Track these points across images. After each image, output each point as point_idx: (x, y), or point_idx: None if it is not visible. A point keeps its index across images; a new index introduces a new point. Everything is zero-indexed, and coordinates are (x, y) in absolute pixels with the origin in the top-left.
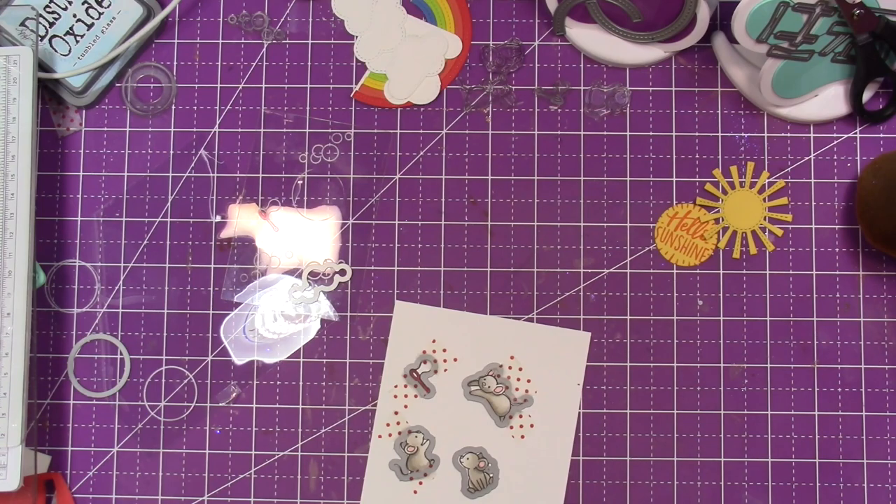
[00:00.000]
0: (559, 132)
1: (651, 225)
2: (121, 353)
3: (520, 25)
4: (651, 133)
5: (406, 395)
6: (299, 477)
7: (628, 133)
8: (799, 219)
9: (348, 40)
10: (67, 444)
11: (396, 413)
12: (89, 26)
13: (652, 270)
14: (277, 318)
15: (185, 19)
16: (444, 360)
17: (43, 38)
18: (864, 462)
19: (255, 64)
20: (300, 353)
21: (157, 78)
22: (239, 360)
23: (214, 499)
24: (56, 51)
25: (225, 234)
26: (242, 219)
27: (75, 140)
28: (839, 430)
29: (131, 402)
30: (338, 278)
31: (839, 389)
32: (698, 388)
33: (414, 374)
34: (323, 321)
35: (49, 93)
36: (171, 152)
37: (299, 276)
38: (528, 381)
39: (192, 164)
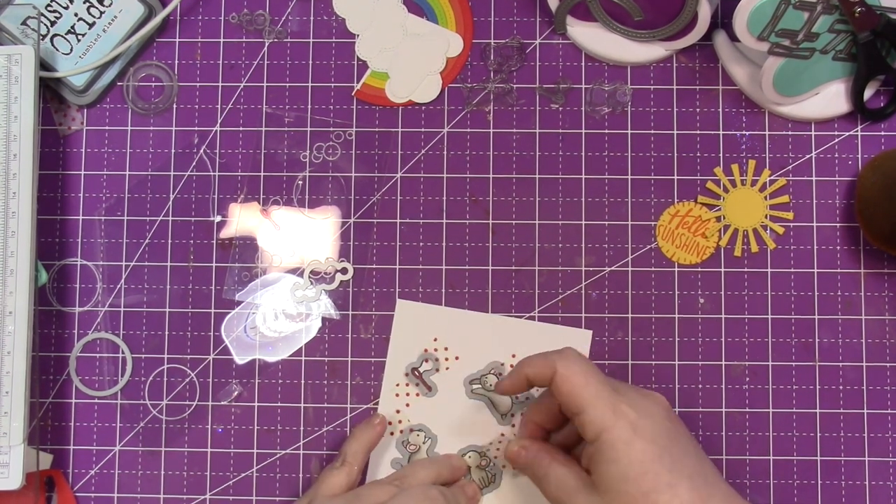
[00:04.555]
0: (560, 130)
1: (652, 223)
2: (122, 352)
3: (521, 24)
4: (652, 131)
5: (408, 394)
6: (301, 475)
7: (629, 131)
8: (800, 217)
9: (349, 39)
10: (69, 442)
11: (398, 412)
12: (91, 25)
13: (653, 268)
14: (279, 316)
15: (187, 18)
16: (446, 359)
17: (44, 37)
18: (866, 460)
19: (256, 63)
20: (302, 351)
21: (159, 77)
22: (240, 359)
23: (216, 497)
24: (57, 50)
25: (226, 232)
26: (244, 217)
27: (77, 139)
28: (841, 427)
29: (133, 400)
30: (339, 277)
31: (840, 387)
32: (700, 386)
33: (415, 372)
34: (324, 319)
35: (50, 92)
36: (173, 151)
37: (301, 274)
38: None
39: (194, 163)
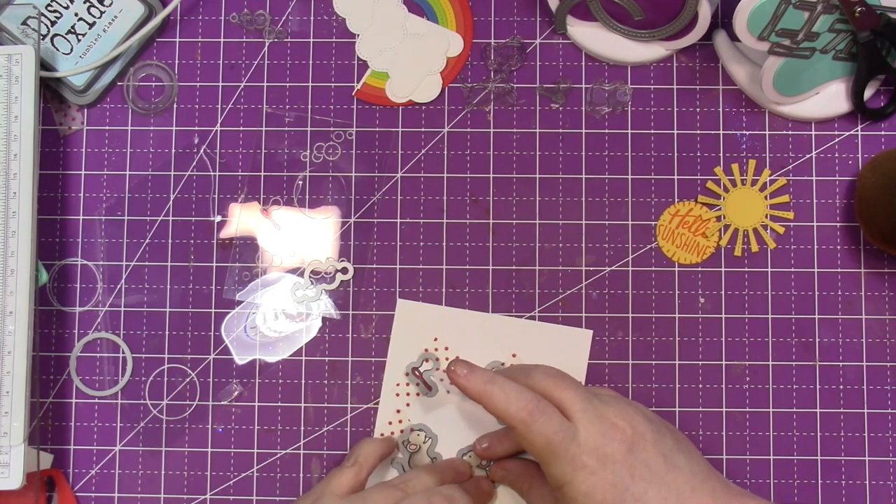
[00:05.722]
0: (561, 130)
1: (653, 223)
2: (123, 352)
3: (521, 23)
4: (652, 131)
5: (408, 394)
6: (301, 475)
7: (630, 131)
8: (800, 216)
9: (350, 39)
10: (70, 442)
11: (398, 411)
12: (91, 25)
13: (653, 268)
14: (279, 316)
15: (187, 18)
16: (447, 359)
17: (45, 36)
18: (866, 459)
19: (256, 62)
20: (302, 351)
21: (159, 76)
22: (241, 359)
23: (216, 497)
24: (58, 49)
25: (226, 232)
26: (244, 217)
27: (77, 139)
28: (841, 427)
29: (133, 400)
30: (339, 276)
31: (841, 387)
32: (700, 386)
33: (416, 372)
34: (325, 319)
35: (51, 91)
36: (173, 151)
37: (301, 274)
38: None
39: (194, 163)
